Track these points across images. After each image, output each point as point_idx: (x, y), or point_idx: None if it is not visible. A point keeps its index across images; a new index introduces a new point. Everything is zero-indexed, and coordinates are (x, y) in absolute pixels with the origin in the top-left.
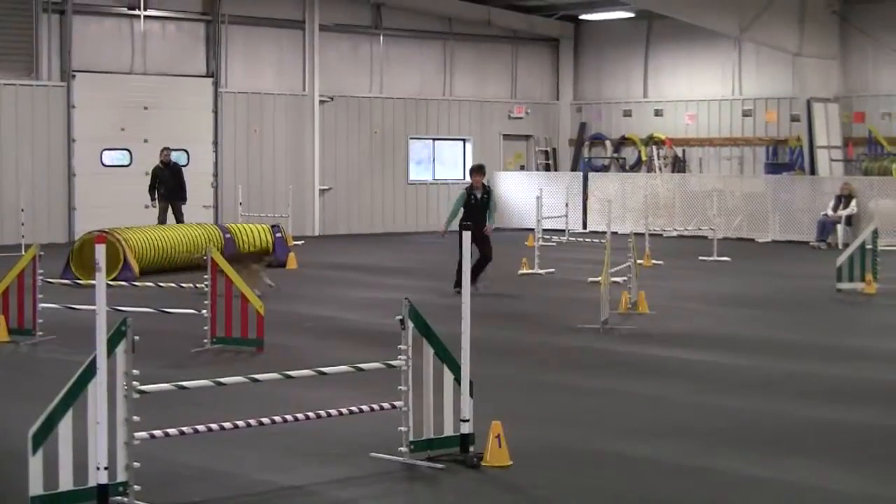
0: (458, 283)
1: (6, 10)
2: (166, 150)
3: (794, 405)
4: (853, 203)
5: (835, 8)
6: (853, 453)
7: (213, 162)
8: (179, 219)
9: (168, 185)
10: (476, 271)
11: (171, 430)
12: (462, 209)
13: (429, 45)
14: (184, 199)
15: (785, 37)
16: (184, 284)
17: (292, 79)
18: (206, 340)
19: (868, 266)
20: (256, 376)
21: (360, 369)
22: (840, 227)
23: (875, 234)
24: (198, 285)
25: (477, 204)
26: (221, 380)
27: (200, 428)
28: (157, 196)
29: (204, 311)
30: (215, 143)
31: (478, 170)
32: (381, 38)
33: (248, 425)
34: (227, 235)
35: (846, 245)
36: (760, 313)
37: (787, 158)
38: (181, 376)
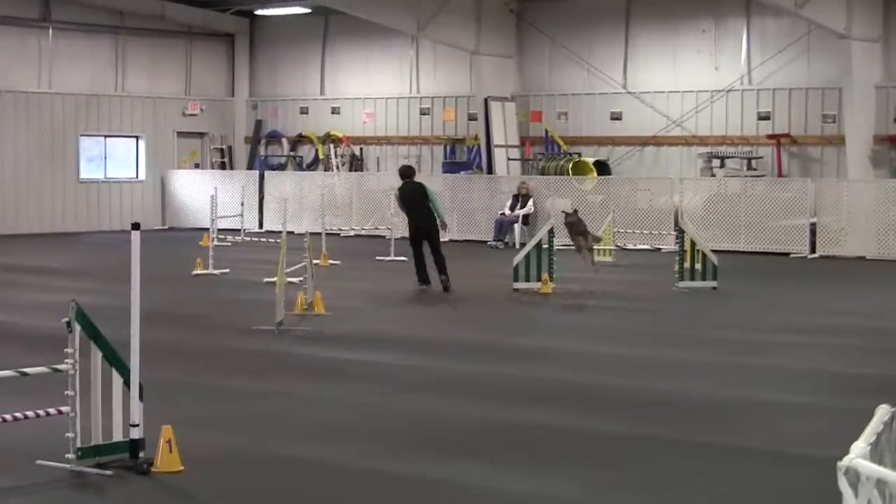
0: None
1: None
2: None
3: (470, 405)
4: (530, 202)
5: (511, 7)
6: (527, 454)
7: None
8: None
9: None
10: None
11: None
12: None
13: (100, 39)
14: None
15: (462, 35)
16: None
17: None
18: None
19: (544, 266)
20: None
21: (25, 374)
22: (517, 227)
23: (551, 233)
24: None
25: None
26: None
27: None
28: None
29: None
30: None
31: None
32: (50, 31)
33: None
34: None
35: (523, 244)
36: (438, 313)
37: (464, 157)
38: None
